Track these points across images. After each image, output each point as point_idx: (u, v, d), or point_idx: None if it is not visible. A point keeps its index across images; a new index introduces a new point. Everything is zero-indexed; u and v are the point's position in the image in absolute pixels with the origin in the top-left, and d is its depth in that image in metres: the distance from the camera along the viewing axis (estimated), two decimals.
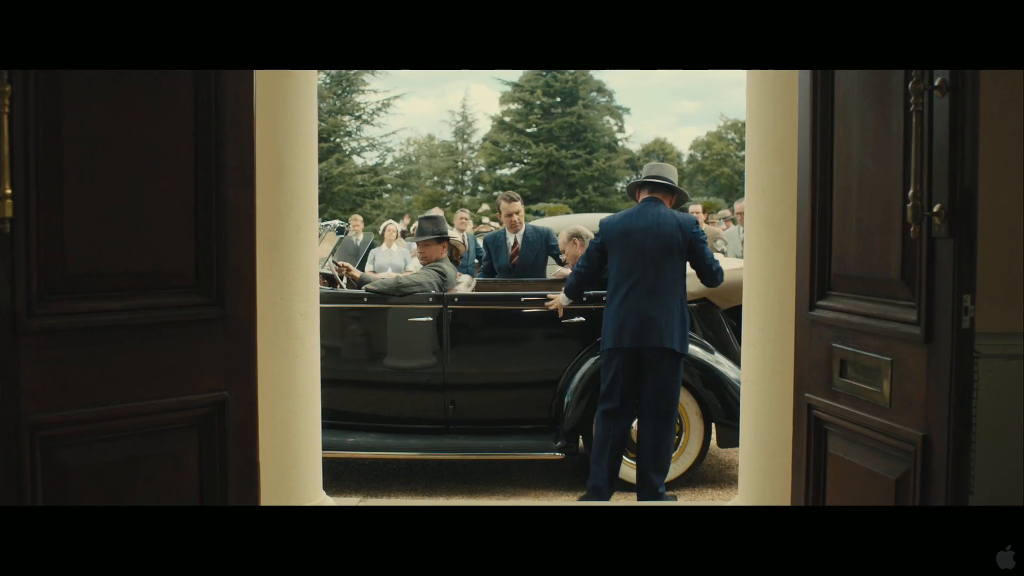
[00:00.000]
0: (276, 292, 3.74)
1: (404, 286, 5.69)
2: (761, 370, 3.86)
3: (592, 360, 5.57)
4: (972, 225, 2.18)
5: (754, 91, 3.89)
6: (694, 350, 5.61)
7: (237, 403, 2.79)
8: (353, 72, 32.17)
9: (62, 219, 2.38)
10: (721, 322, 5.89)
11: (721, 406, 5.56)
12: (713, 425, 5.64)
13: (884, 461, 2.49)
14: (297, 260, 3.81)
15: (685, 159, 50.31)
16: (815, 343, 2.82)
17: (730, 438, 5.50)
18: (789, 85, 3.44)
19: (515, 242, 7.39)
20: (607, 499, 5.21)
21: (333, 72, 32.01)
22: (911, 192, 2.25)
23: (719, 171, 45.03)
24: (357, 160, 34.56)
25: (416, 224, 6.50)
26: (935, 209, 2.21)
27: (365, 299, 5.72)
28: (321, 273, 6.30)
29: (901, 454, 2.41)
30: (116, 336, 2.53)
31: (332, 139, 33.14)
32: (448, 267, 5.96)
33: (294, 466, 3.84)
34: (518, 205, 7.46)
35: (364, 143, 34.90)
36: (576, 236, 6.14)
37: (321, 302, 5.65)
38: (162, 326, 2.62)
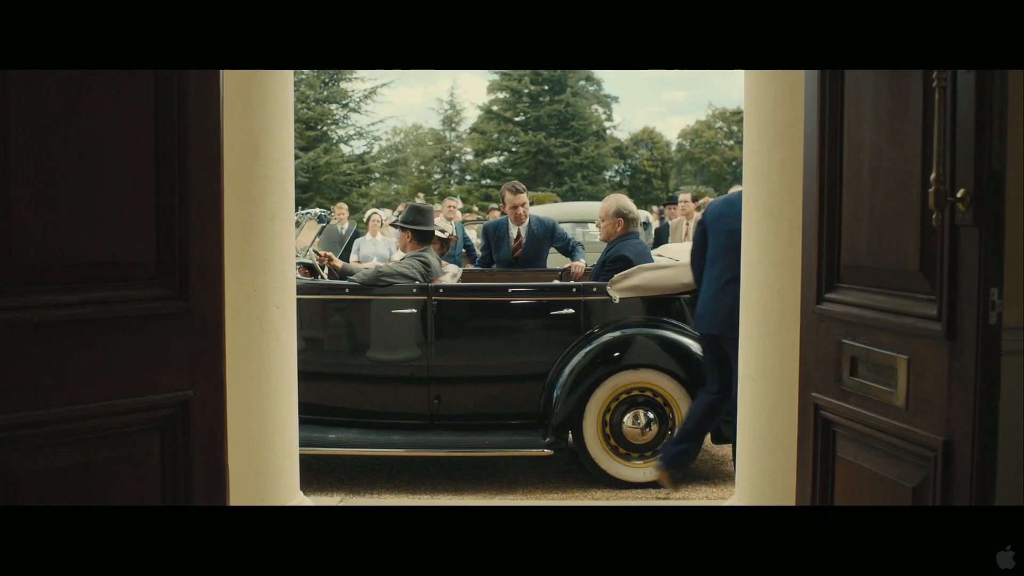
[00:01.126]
0: (249, 284, 3.54)
1: (385, 275, 5.48)
2: (760, 365, 3.69)
3: (583, 353, 5.38)
4: (1000, 212, 2.00)
5: (753, 72, 3.71)
6: (686, 341, 5.44)
7: (203, 403, 2.60)
8: None
9: (8, 206, 2.18)
10: None
11: None
12: None
13: (899, 467, 2.32)
14: (272, 250, 3.61)
15: (674, 148, 50.24)
16: (823, 339, 2.64)
17: (724, 433, 5.33)
18: None
19: (518, 234, 7.16)
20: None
21: None
22: (933, 176, 2.06)
23: (708, 159, 44.92)
24: (344, 149, 34.32)
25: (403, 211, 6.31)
26: (959, 195, 2.03)
27: (347, 290, 5.52)
28: (302, 263, 6.11)
29: (919, 460, 2.24)
30: (70, 332, 2.33)
31: (319, 127, 32.88)
32: (432, 257, 5.76)
33: (269, 466, 3.65)
34: (524, 197, 7.16)
35: (351, 131, 34.66)
36: (621, 216, 5.86)
37: (302, 293, 5.48)
38: (120, 321, 2.42)
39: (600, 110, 46.01)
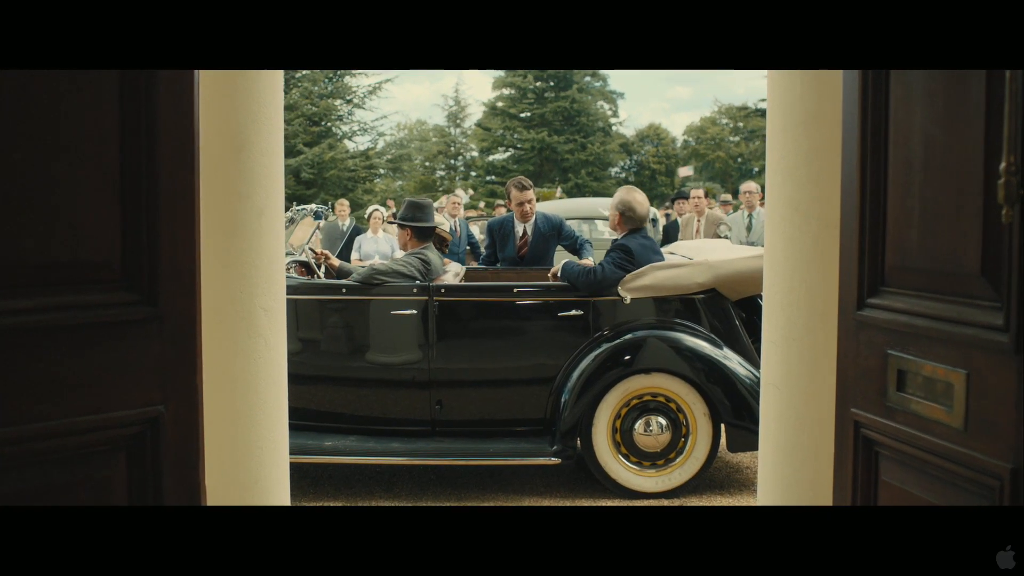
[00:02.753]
0: (235, 285, 3.28)
1: (380, 273, 5.21)
2: (785, 373, 3.42)
3: (592, 356, 5.13)
4: None
5: None
6: (700, 345, 5.18)
7: (175, 418, 2.33)
8: None
9: None
10: (730, 314, 5.43)
11: (731, 406, 5.12)
12: (722, 426, 5.20)
13: (955, 495, 2.05)
14: (259, 249, 3.34)
15: (679, 144, 50.05)
16: (864, 349, 2.37)
17: (741, 441, 5.08)
18: None
19: (524, 232, 6.89)
20: None
21: None
22: (1002, 166, 1.78)
23: (714, 155, 44.67)
24: (349, 145, 34.10)
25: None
26: None
27: (343, 290, 5.26)
28: (298, 261, 5.86)
29: (979, 488, 1.97)
30: (22, 341, 2.07)
31: (324, 123, 32.65)
32: (433, 254, 5.49)
33: (255, 482, 3.39)
34: (531, 193, 6.86)
35: (356, 127, 34.44)
36: (620, 212, 5.56)
37: (298, 293, 5.23)
38: (81, 328, 2.16)
39: (606, 106, 45.73)
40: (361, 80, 33.62)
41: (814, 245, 3.31)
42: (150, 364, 2.27)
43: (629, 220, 5.50)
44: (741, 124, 44.31)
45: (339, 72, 32.77)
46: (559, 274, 5.45)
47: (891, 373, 2.24)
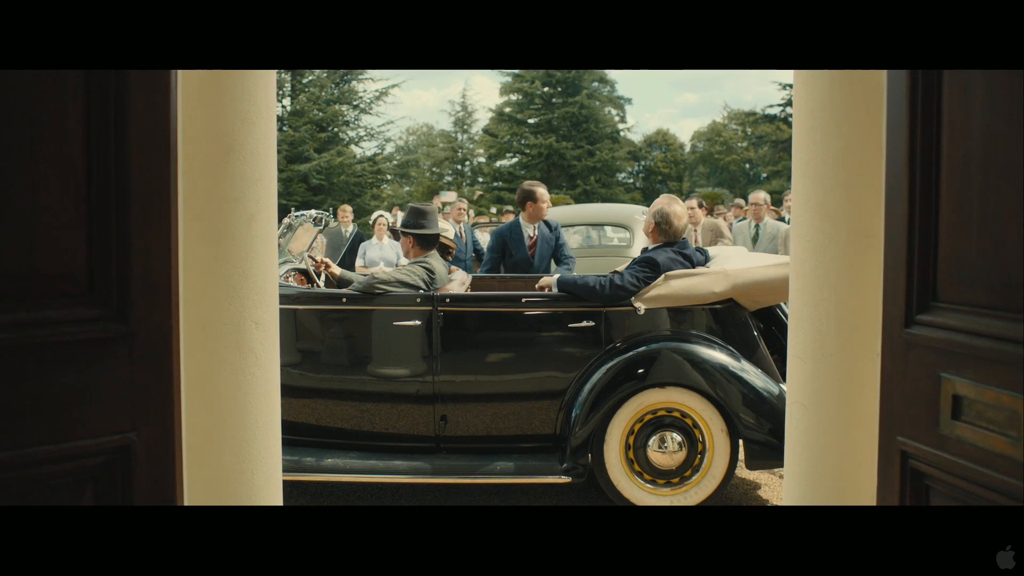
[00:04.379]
0: (223, 296, 3.05)
1: (382, 282, 4.98)
2: (814, 391, 3.19)
3: (604, 369, 4.89)
4: None
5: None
6: (717, 357, 4.94)
7: (148, 446, 2.11)
8: None
9: None
10: (748, 325, 5.19)
11: (749, 421, 4.88)
12: (740, 443, 4.96)
13: None
14: (250, 258, 3.11)
15: (687, 150, 49.90)
16: (913, 371, 2.13)
17: (760, 457, 4.84)
18: None
19: (534, 231, 6.93)
20: None
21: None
22: None
23: (727, 159, 44.47)
24: (356, 150, 33.95)
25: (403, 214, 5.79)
26: None
27: (344, 299, 5.03)
28: (297, 269, 5.64)
29: None
30: None
31: (331, 128, 32.49)
32: (437, 263, 5.25)
33: (247, 504, 3.16)
34: (547, 194, 7.05)
35: (363, 132, 34.30)
36: (655, 223, 5.28)
37: (297, 302, 5.02)
38: (42, 348, 1.94)
39: (613, 112, 45.51)
40: (368, 85, 33.48)
41: (845, 254, 3.09)
42: (119, 387, 2.05)
43: (663, 232, 5.24)
44: (750, 130, 44.09)
45: (345, 76, 32.63)
46: (554, 287, 5.16)
47: (945, 399, 2.00)
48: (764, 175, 40.89)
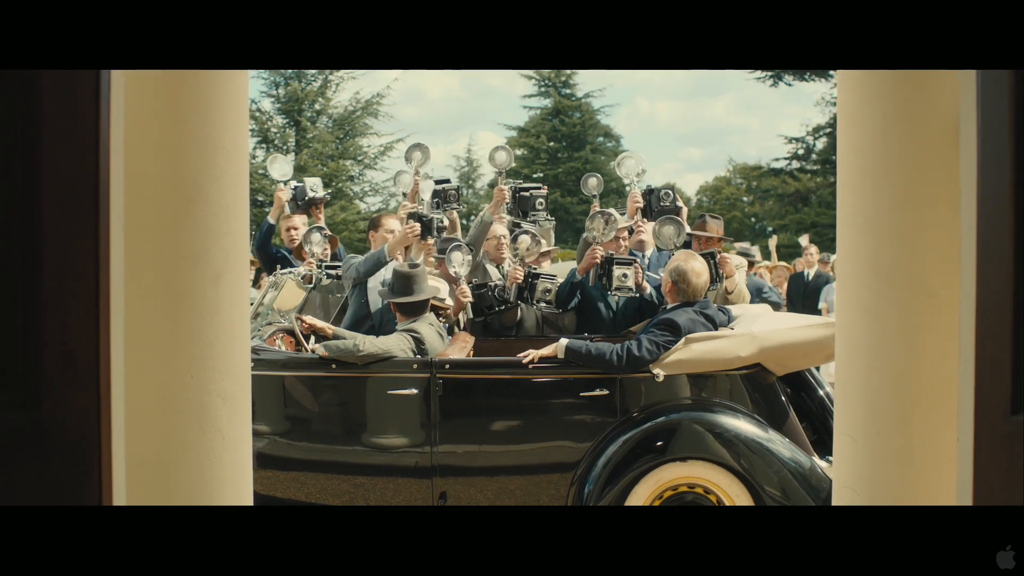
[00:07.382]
0: (182, 368, 2.65)
1: (364, 355, 4.55)
2: (868, 475, 2.78)
3: (620, 441, 4.49)
4: None
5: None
6: (743, 427, 4.53)
7: None
8: (356, 115, 31.74)
9: None
10: (776, 391, 4.78)
11: (780, 497, 4.45)
12: None
13: None
14: (215, 323, 2.71)
15: (693, 204, 50.00)
16: (1019, 469, 1.72)
17: None
18: None
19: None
20: None
21: (336, 116, 31.70)
22: None
23: (730, 215, 44.44)
24: (361, 205, 33.86)
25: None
26: None
27: (333, 365, 4.63)
28: (284, 330, 5.24)
29: None
30: None
31: (335, 184, 32.39)
32: (426, 329, 4.81)
33: None
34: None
35: (367, 187, 34.24)
36: (672, 280, 4.85)
37: (284, 368, 4.64)
38: None
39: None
40: (372, 140, 33.51)
41: (902, 317, 2.72)
42: (26, 494, 1.64)
43: (681, 292, 4.80)
44: (755, 183, 44.06)
45: (348, 132, 32.62)
46: (560, 355, 4.66)
47: None
48: (770, 228, 40.77)
